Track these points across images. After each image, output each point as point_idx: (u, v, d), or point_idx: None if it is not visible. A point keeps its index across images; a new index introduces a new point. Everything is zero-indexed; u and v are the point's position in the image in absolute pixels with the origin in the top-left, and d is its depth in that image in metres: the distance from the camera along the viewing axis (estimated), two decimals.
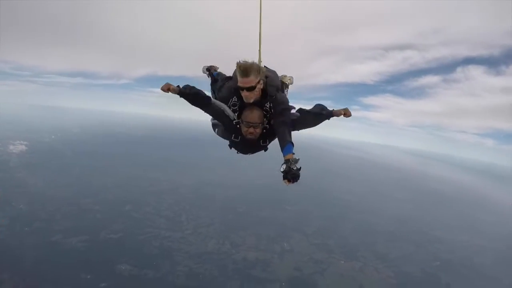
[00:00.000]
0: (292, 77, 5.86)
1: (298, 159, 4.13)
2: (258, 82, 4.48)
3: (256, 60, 5.03)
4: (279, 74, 5.66)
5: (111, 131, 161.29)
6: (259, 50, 5.26)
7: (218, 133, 5.61)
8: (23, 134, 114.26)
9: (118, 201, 64.33)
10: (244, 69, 4.35)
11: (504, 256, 65.45)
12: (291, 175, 3.95)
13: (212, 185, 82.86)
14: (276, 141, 4.89)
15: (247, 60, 4.55)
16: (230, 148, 5.33)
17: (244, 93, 4.53)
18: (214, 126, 5.63)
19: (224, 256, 50.57)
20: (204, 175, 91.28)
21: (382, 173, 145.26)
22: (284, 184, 4.05)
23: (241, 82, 4.42)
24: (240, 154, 5.50)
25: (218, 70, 6.38)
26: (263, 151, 5.31)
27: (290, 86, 5.92)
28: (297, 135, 4.89)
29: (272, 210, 71.20)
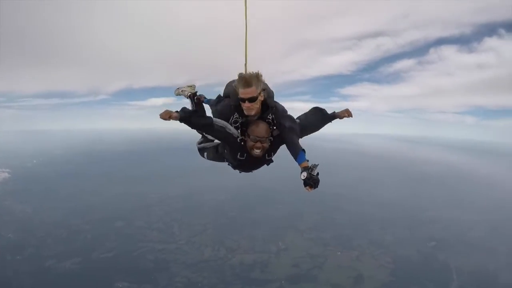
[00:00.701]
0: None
1: (317, 164, 4.14)
2: (259, 93, 4.34)
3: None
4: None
5: (93, 149, 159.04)
6: (245, 65, 5.04)
7: (208, 157, 5.50)
8: (4, 161, 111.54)
9: (107, 219, 63.32)
10: (246, 79, 4.24)
11: (497, 226, 66.96)
12: (312, 181, 3.96)
13: (200, 192, 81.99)
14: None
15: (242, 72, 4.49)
16: (234, 168, 5.16)
17: (246, 105, 4.35)
18: (201, 150, 5.53)
19: (221, 262, 50.41)
20: (191, 183, 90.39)
21: (368, 162, 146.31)
22: (306, 191, 4.05)
23: (243, 93, 4.26)
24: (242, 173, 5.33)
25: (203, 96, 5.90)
26: (266, 165, 5.09)
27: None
28: None
29: (263, 211, 71.15)
